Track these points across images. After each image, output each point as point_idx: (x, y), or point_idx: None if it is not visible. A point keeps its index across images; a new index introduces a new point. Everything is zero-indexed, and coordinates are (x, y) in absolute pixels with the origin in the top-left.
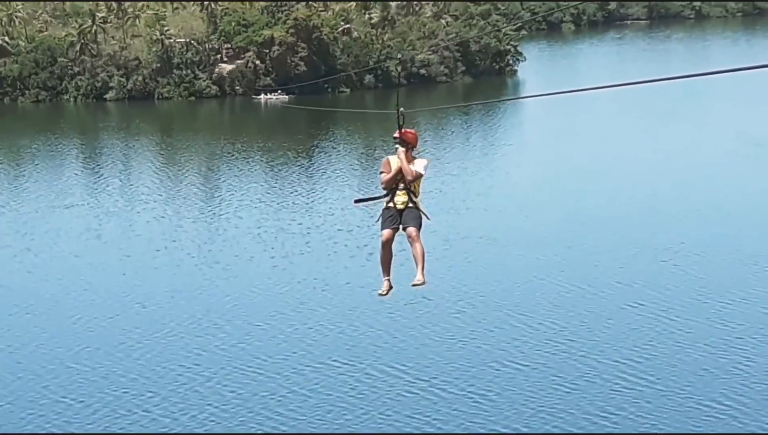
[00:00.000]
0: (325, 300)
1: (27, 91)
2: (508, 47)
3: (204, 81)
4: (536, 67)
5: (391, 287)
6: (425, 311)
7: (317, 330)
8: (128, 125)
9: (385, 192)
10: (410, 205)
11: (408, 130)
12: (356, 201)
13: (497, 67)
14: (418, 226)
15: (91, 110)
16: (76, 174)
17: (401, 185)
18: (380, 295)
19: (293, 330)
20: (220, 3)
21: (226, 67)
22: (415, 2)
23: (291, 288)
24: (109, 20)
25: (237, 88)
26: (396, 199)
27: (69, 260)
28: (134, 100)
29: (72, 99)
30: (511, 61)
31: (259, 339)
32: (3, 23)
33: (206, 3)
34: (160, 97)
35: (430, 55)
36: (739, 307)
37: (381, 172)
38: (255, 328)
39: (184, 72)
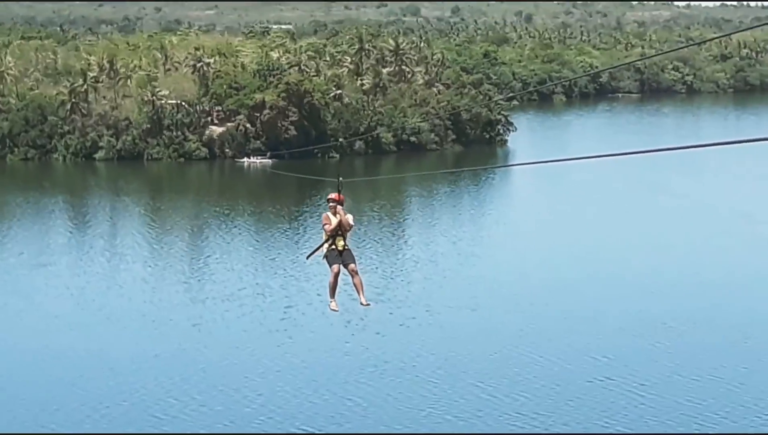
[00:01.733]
0: (308, 362)
1: (16, 149)
2: (499, 117)
3: (194, 143)
4: (527, 137)
5: (336, 305)
6: (407, 378)
7: (299, 390)
8: (116, 185)
9: (326, 239)
10: (347, 247)
11: (338, 194)
12: (308, 256)
13: (488, 136)
14: (355, 262)
15: (80, 169)
16: (62, 233)
17: (339, 233)
18: (333, 310)
19: (275, 392)
20: (212, 65)
21: (217, 130)
22: (407, 70)
23: (273, 350)
24: (100, 80)
25: (227, 150)
26: (337, 243)
27: (48, 320)
28: (123, 160)
29: (61, 157)
30: (501, 131)
31: (238, 400)
32: None
33: (198, 65)
34: (150, 157)
35: (420, 122)
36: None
37: (324, 225)
38: (234, 391)
39: (174, 133)
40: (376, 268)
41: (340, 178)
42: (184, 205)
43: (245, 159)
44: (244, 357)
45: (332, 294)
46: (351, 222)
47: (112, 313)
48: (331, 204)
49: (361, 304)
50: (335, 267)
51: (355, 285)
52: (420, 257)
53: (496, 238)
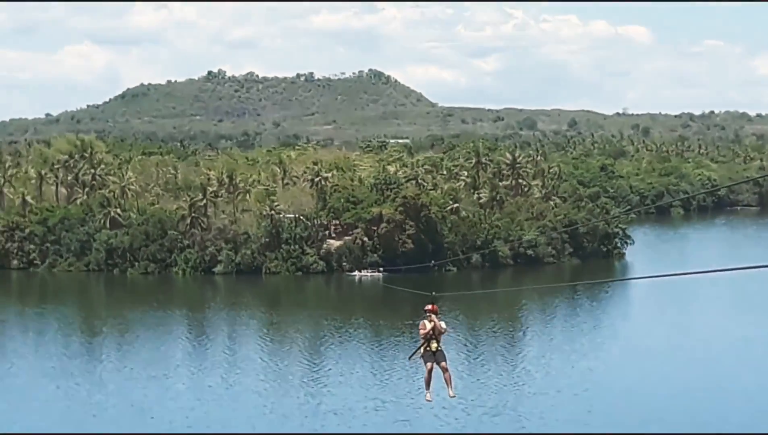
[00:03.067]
0: None
1: (137, 263)
2: (617, 230)
3: (311, 256)
4: (645, 250)
5: (431, 397)
6: None
7: None
8: (234, 299)
9: (422, 342)
10: (440, 348)
11: (434, 305)
12: (409, 357)
13: (605, 249)
14: (446, 360)
15: (199, 283)
16: (180, 346)
17: (433, 336)
18: (428, 400)
19: None
20: (329, 179)
21: (334, 243)
22: (524, 183)
23: None
24: (219, 194)
25: (344, 263)
26: (431, 345)
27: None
28: (242, 274)
29: (181, 271)
30: (619, 244)
31: None
32: (116, 195)
33: (316, 179)
34: (268, 271)
35: (537, 236)
36: None
37: (420, 330)
38: None
39: (293, 247)
40: (490, 379)
41: (434, 293)
42: (300, 319)
43: (356, 272)
44: None
45: (427, 387)
46: (444, 327)
47: (227, 425)
48: (427, 313)
49: (449, 395)
50: (429, 365)
51: (445, 380)
52: (534, 371)
53: (611, 353)
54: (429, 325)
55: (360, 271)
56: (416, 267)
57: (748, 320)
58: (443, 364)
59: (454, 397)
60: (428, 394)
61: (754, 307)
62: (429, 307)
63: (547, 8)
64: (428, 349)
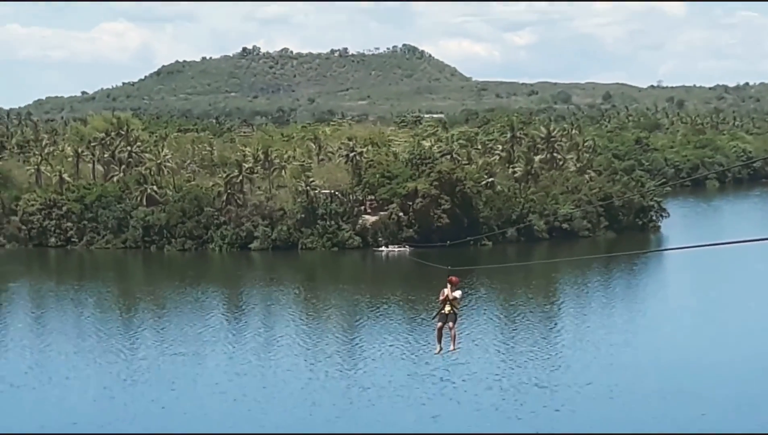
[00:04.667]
0: None
1: (173, 240)
2: (652, 203)
3: (347, 232)
4: (680, 223)
5: (441, 349)
6: None
7: None
8: (271, 275)
9: (440, 305)
10: (453, 311)
11: (453, 277)
12: (433, 317)
13: (640, 222)
14: (454, 321)
15: (236, 259)
16: (217, 321)
17: (448, 301)
18: (436, 353)
19: None
20: (364, 155)
21: (370, 219)
22: (559, 157)
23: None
24: (255, 171)
25: (380, 239)
26: (446, 308)
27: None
28: (278, 249)
29: (217, 248)
30: (654, 217)
31: None
32: (152, 172)
33: (351, 155)
34: (304, 247)
35: (573, 210)
36: None
37: (440, 296)
38: None
39: (328, 223)
40: (521, 354)
41: (449, 267)
42: (336, 294)
43: (383, 248)
44: None
45: (438, 341)
46: (455, 296)
47: (269, 399)
48: (449, 283)
49: (450, 349)
50: (439, 324)
51: (451, 337)
52: (566, 345)
53: (647, 325)
54: (445, 292)
55: (387, 247)
56: (437, 246)
57: None
58: (450, 324)
59: (454, 350)
60: (438, 348)
61: None
62: (451, 278)
63: None
64: (443, 311)
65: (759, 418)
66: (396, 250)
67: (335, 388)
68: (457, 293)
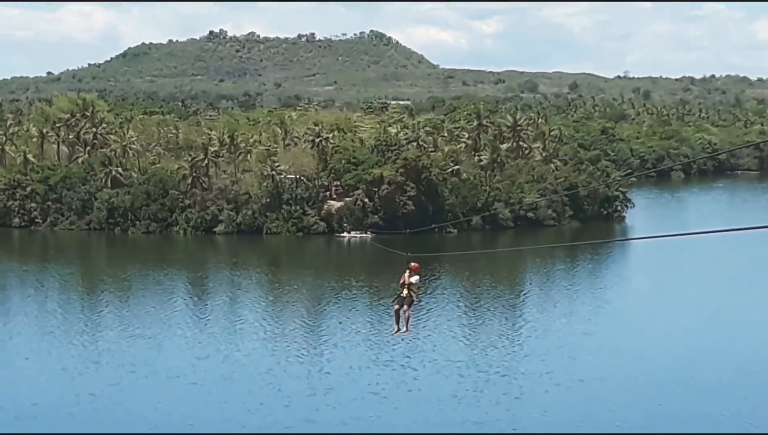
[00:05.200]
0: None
1: (138, 222)
2: (617, 193)
3: (312, 217)
4: (644, 213)
5: (398, 330)
6: None
7: None
8: (235, 259)
9: (399, 289)
10: (410, 295)
11: (412, 263)
12: (392, 301)
13: (605, 212)
14: (410, 305)
15: (200, 243)
16: (181, 305)
17: (406, 286)
18: (393, 334)
19: None
20: (330, 141)
21: (335, 204)
22: (525, 145)
23: (392, 420)
24: (221, 154)
25: (345, 224)
26: (403, 292)
27: (166, 389)
28: (243, 233)
29: (182, 231)
30: (619, 207)
31: None
32: (117, 154)
33: (317, 140)
34: (269, 231)
35: (538, 199)
36: None
37: (400, 281)
38: None
39: (293, 208)
40: (486, 341)
41: (408, 253)
42: (299, 279)
43: (345, 234)
44: (364, 426)
45: (396, 322)
46: (412, 281)
47: (230, 383)
48: (408, 269)
49: (403, 331)
50: (396, 306)
51: (405, 318)
52: (529, 333)
53: (610, 314)
54: (405, 277)
55: (349, 233)
56: (397, 233)
57: (742, 283)
58: (405, 307)
59: (406, 332)
60: (396, 329)
61: (751, 269)
62: (411, 264)
63: None
64: (401, 295)
65: (718, 406)
66: (358, 236)
67: (297, 373)
68: (413, 279)
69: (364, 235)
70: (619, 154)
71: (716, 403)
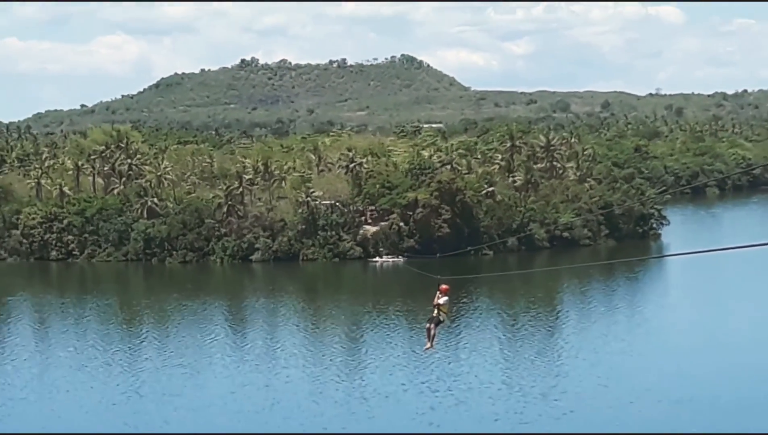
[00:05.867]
0: None
1: (175, 252)
2: (652, 211)
3: (348, 242)
4: (680, 230)
5: (431, 347)
6: None
7: None
8: (273, 286)
9: (432, 309)
10: (440, 316)
11: (443, 285)
12: (427, 320)
13: (641, 230)
14: (437, 324)
15: (237, 271)
16: (220, 334)
17: (437, 306)
18: (425, 349)
19: None
20: (364, 165)
21: (370, 229)
22: (559, 165)
23: None
24: (255, 182)
25: (381, 249)
26: (435, 312)
27: (205, 413)
28: (279, 261)
29: (218, 260)
30: (654, 225)
31: None
32: (152, 185)
33: (351, 165)
34: (305, 258)
35: (573, 218)
36: None
37: (433, 301)
38: None
39: (329, 233)
40: (530, 360)
41: (439, 277)
42: (336, 305)
43: (377, 258)
44: None
45: (428, 340)
46: (441, 302)
47: (272, 412)
48: (439, 291)
49: (426, 347)
50: (428, 325)
51: (432, 335)
52: (571, 351)
53: (648, 333)
54: (436, 299)
55: (381, 258)
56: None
57: None
58: (434, 325)
59: (428, 349)
60: (427, 345)
61: None
62: (441, 286)
63: None
64: (433, 315)
65: (759, 424)
66: (390, 260)
67: (337, 398)
68: (442, 300)
69: (396, 259)
70: (653, 172)
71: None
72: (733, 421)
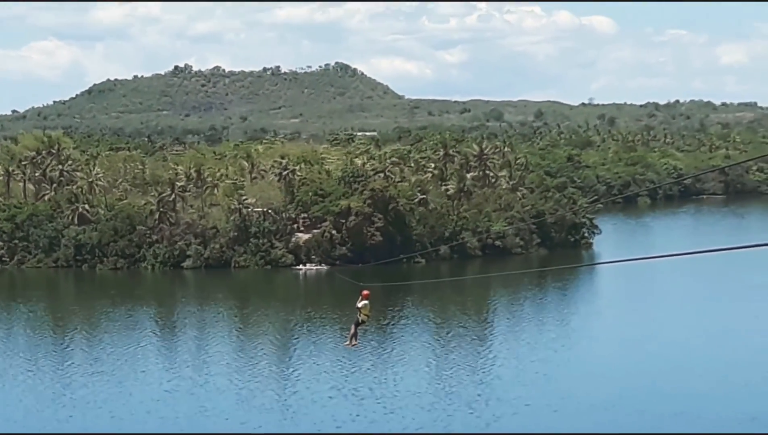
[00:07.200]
0: None
1: (106, 259)
2: (584, 220)
3: (280, 250)
4: (612, 239)
5: (350, 344)
6: None
7: None
8: (204, 293)
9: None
10: (362, 319)
11: (364, 291)
12: (353, 326)
13: (572, 239)
14: (357, 325)
15: (169, 278)
16: (150, 341)
17: (359, 310)
18: (345, 345)
19: None
20: (297, 173)
21: (303, 237)
22: (491, 174)
23: None
24: (188, 189)
25: (313, 257)
26: (359, 315)
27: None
28: (211, 268)
29: (150, 267)
30: (586, 234)
31: None
32: (84, 191)
33: (284, 173)
34: (237, 265)
35: (505, 227)
36: None
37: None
38: None
39: (261, 241)
40: (458, 368)
41: (362, 283)
42: (267, 312)
43: (301, 266)
44: None
45: (348, 337)
46: (359, 305)
47: (198, 419)
48: (360, 296)
49: (345, 344)
50: (353, 327)
51: (354, 334)
52: (501, 359)
53: (573, 340)
54: (359, 304)
55: (305, 266)
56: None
57: (708, 305)
58: (354, 325)
59: (347, 345)
60: (347, 342)
61: (715, 291)
62: (363, 292)
63: None
64: (357, 317)
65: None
66: (314, 268)
67: (265, 404)
68: (361, 304)
69: (320, 267)
70: (585, 181)
71: (671, 422)
72: (655, 423)
